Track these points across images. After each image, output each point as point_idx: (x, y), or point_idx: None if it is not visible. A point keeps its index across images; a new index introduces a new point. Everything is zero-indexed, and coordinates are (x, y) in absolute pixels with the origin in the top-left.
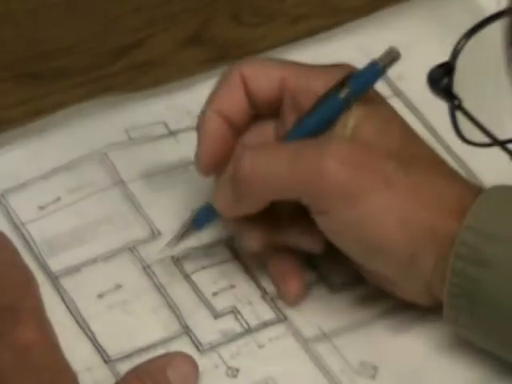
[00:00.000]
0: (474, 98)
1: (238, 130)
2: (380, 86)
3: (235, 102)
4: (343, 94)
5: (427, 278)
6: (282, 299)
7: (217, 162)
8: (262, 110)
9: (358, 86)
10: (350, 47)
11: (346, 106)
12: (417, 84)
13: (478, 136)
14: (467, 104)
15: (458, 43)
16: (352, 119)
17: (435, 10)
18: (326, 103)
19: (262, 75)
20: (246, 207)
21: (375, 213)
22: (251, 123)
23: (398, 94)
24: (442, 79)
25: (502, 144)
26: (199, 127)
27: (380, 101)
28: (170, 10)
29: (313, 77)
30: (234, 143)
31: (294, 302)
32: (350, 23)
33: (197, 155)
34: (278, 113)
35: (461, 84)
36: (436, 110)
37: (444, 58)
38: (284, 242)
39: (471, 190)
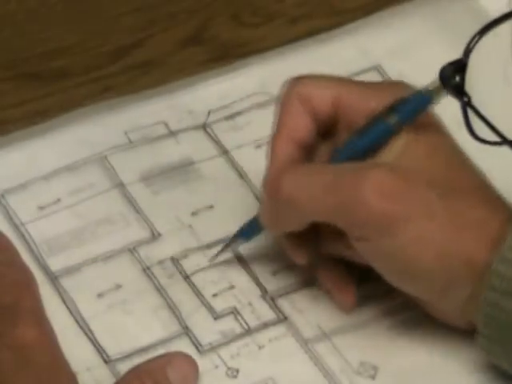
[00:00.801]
0: (485, 96)
1: (307, 149)
2: None
3: (301, 125)
4: (392, 119)
5: (462, 305)
6: (338, 306)
7: None
8: (322, 129)
9: (406, 113)
10: (350, 48)
11: (393, 131)
12: (417, 84)
13: (488, 134)
14: (478, 102)
15: (471, 41)
16: (397, 145)
17: (436, 10)
18: (374, 127)
19: (316, 94)
20: (288, 226)
21: (412, 244)
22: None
23: None
24: (453, 76)
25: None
26: (270, 155)
27: (429, 125)
28: (169, 10)
29: (365, 96)
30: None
31: (350, 310)
32: (350, 24)
33: (266, 180)
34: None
35: (472, 82)
36: (436, 110)
37: (444, 58)
38: (332, 255)
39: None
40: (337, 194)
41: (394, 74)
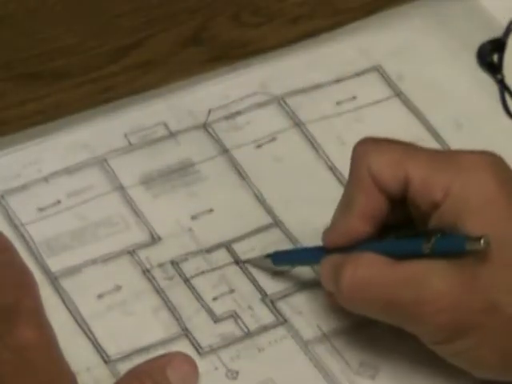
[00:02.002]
0: None
1: (379, 223)
2: (380, 87)
3: (376, 204)
4: (426, 248)
5: None
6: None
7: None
8: (395, 201)
9: (442, 248)
10: (350, 48)
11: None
12: (417, 84)
13: None
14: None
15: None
16: (470, 256)
17: (436, 11)
18: (410, 243)
19: (388, 173)
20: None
21: (474, 348)
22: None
23: (398, 94)
24: (490, 54)
25: None
26: (341, 225)
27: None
28: (170, 10)
29: (433, 178)
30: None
31: None
32: (350, 24)
33: (332, 236)
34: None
35: (507, 62)
36: (436, 110)
37: (444, 59)
38: None
39: None
40: (397, 303)
41: (394, 74)
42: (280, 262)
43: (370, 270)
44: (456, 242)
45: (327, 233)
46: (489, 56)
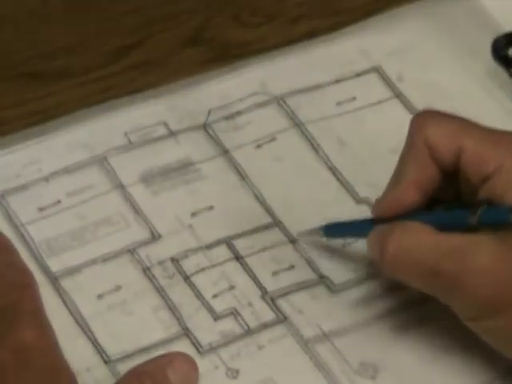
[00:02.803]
0: None
1: (429, 194)
2: (380, 88)
3: (429, 175)
4: (473, 219)
5: None
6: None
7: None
8: (448, 172)
9: (487, 219)
10: (350, 49)
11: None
12: (417, 85)
13: None
14: None
15: None
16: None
17: (436, 11)
18: (458, 215)
19: (444, 145)
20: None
21: (510, 326)
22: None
23: (398, 95)
24: (505, 48)
25: None
26: (393, 195)
27: None
28: (170, 9)
29: (487, 152)
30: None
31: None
32: (350, 25)
33: (382, 204)
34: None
35: None
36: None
37: (444, 59)
38: None
39: None
40: (440, 272)
41: (393, 75)
42: (332, 234)
43: (416, 238)
44: (501, 212)
45: (377, 202)
46: (503, 50)
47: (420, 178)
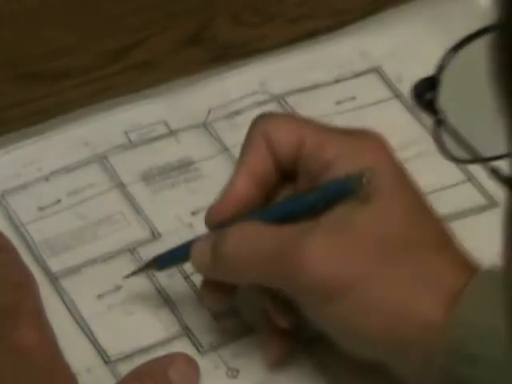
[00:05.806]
0: (459, 114)
1: (267, 189)
2: (379, 88)
3: (262, 163)
4: (311, 197)
5: (418, 368)
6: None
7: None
8: (284, 172)
9: (325, 195)
10: (350, 49)
11: (314, 208)
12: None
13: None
14: (452, 119)
15: (444, 58)
16: (346, 207)
17: (435, 11)
18: (297, 199)
19: (280, 137)
20: (219, 278)
21: (357, 312)
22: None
23: (398, 95)
24: (426, 93)
25: (485, 161)
26: (228, 186)
27: (381, 190)
28: (170, 10)
29: (327, 141)
30: (261, 203)
31: (271, 365)
32: (350, 25)
33: (212, 209)
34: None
35: (447, 98)
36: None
37: None
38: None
39: (470, 278)
40: (279, 261)
41: (393, 75)
42: (164, 265)
43: (254, 230)
44: (342, 182)
45: (209, 209)
46: (425, 95)
47: (255, 168)
